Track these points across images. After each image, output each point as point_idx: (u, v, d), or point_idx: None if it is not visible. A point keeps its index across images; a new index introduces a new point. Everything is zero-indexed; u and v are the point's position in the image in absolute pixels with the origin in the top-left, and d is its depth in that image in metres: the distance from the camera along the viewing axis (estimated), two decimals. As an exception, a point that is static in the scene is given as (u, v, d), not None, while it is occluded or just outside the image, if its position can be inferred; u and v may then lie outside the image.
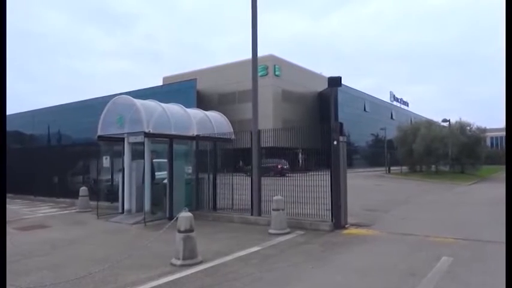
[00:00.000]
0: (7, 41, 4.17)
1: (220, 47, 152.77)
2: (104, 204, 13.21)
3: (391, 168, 39.20)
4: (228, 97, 51.52)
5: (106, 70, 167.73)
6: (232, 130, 12.77)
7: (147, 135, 10.54)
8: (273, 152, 11.49)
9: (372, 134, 62.10)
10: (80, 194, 13.92)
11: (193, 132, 11.89)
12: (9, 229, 9.60)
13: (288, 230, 8.85)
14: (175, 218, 6.46)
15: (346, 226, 9.38)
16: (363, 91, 62.26)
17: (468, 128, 36.39)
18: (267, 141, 10.50)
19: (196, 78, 50.58)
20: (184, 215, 6.29)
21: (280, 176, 10.92)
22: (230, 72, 51.44)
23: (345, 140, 9.58)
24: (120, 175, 12.33)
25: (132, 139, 11.52)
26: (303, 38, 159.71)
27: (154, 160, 12.06)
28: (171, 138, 11.27)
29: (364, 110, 60.91)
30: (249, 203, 10.64)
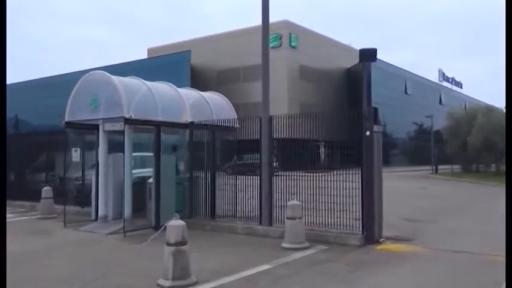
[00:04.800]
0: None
1: (218, 11, 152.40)
2: (72, 209, 13.28)
3: (439, 167, 39.05)
4: (230, 74, 51.53)
5: (75, 39, 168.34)
6: (236, 116, 12.74)
7: (127, 121, 10.56)
8: (287, 145, 11.44)
9: (415, 123, 61.80)
10: (43, 195, 14.01)
11: (187, 118, 11.89)
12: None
13: (306, 244, 8.85)
14: (163, 227, 6.47)
15: (381, 240, 9.35)
16: (403, 68, 61.86)
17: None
18: (281, 131, 10.48)
19: (189, 51, 50.58)
20: (175, 223, 6.30)
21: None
22: (233, 43, 51.36)
23: (381, 130, 9.53)
24: (94, 172, 12.38)
25: (109, 127, 11.55)
26: (323, 0, 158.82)
27: (136, 154, 12.13)
28: (158, 126, 11.28)
29: (405, 92, 60.59)
30: (257, 209, 10.66)
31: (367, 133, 9.19)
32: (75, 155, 13.68)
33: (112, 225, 11.12)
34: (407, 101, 59.78)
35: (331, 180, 9.55)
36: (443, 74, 72.30)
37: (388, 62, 55.53)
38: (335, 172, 9.75)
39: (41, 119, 52.66)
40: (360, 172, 9.26)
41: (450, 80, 74.14)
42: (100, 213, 11.78)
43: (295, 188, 10.10)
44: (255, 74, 42.69)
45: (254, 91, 38.18)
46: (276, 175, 10.83)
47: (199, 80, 47.14)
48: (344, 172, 9.48)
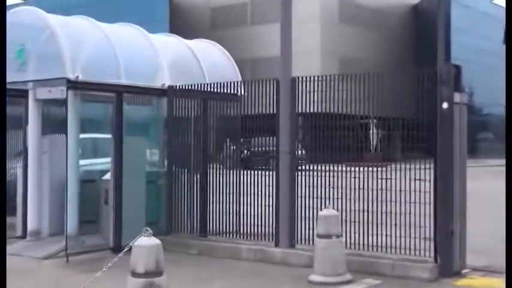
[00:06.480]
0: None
1: None
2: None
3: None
4: (231, 13, 51.44)
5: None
6: (239, 78, 12.72)
7: (72, 85, 10.58)
8: (319, 123, 11.41)
9: (518, 91, 61.23)
10: None
11: (164, 81, 11.92)
12: None
13: (348, 276, 8.83)
14: (126, 249, 6.49)
15: (464, 272, 9.34)
16: (500, 4, 61.31)
17: None
18: (309, 101, 10.44)
19: (169, -24, 50.60)
20: (145, 242, 6.30)
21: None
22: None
23: (465, 101, 9.47)
24: (21, 164, 12.44)
25: (44, 93, 11.56)
26: None
27: (85, 136, 12.16)
28: (119, 93, 11.29)
29: (504, 42, 60.01)
30: (272, 222, 10.69)
31: (444, 105, 9.12)
32: (-8, 137, 13.78)
33: (49, 245, 11.20)
34: (507, 56, 59.35)
35: (386, 179, 9.54)
36: None
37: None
38: (393, 166, 9.72)
39: None
40: (432, 166, 9.22)
41: None
42: (30, 226, 11.85)
43: (331, 190, 10.09)
44: (269, 12, 42.41)
45: (268, 39, 38.06)
46: (302, 170, 10.82)
47: (183, 21, 47.16)
48: (406, 165, 9.45)
